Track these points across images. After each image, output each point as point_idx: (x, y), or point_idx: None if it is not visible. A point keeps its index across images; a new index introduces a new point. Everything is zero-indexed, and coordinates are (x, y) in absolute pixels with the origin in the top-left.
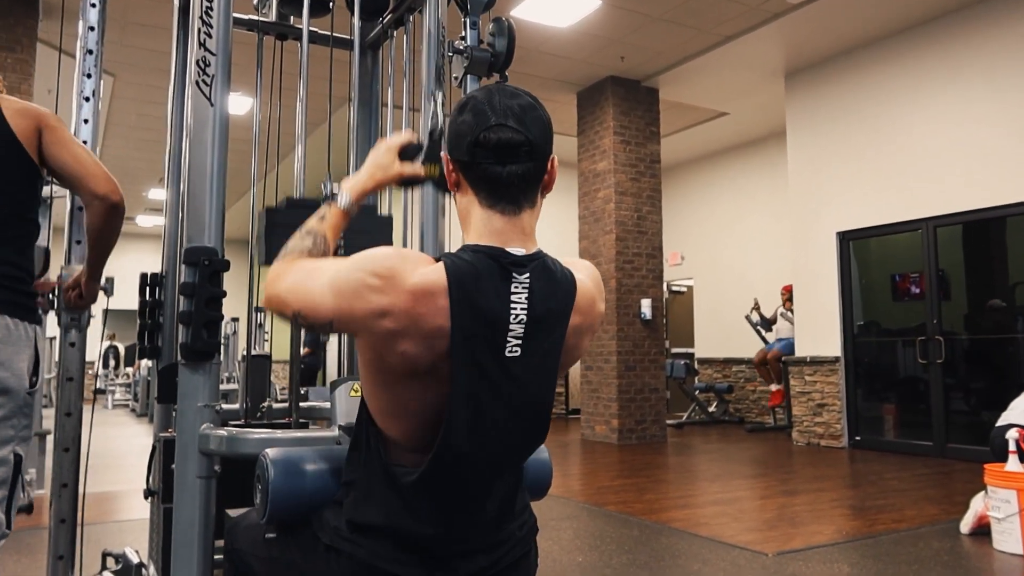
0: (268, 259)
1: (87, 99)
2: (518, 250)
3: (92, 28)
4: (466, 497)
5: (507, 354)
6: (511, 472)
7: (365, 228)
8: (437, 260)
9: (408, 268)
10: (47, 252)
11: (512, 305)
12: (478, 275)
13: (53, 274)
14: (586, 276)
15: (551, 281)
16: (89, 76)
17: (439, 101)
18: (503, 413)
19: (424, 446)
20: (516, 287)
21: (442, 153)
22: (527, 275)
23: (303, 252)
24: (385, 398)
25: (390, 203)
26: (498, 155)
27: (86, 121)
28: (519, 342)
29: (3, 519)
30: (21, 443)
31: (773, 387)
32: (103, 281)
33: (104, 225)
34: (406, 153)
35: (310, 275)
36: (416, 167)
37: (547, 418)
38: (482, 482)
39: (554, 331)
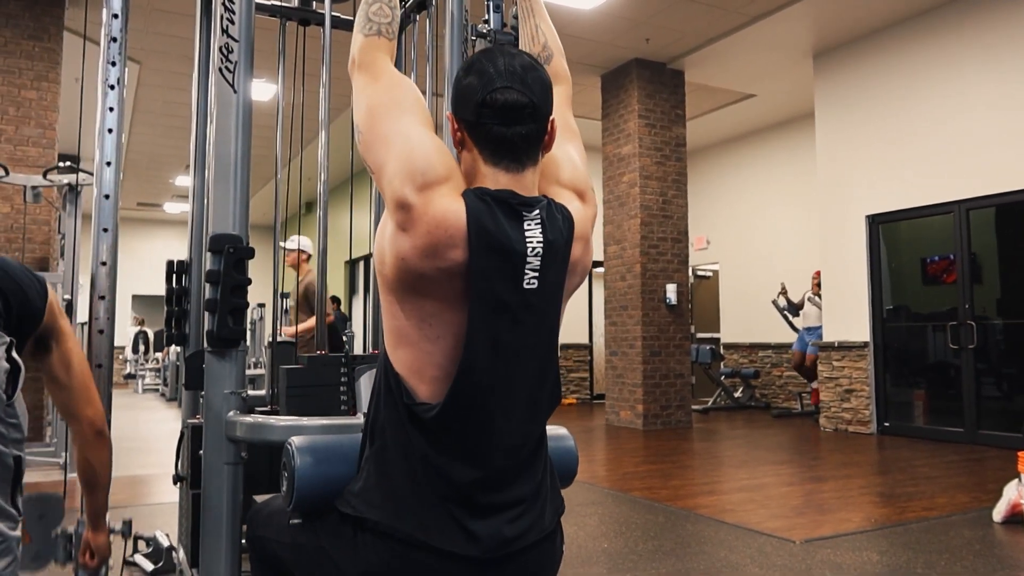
0: (289, 411)
1: (112, 87)
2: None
3: (116, 15)
4: (489, 430)
5: (525, 286)
6: (532, 412)
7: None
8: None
9: (445, 189)
10: (60, 501)
11: (528, 239)
12: (494, 213)
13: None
14: (576, 200)
15: (555, 218)
16: (114, 64)
17: None
18: (520, 342)
19: (443, 380)
20: (529, 224)
21: (447, 112)
22: (537, 212)
23: (380, 28)
24: (399, 316)
25: None
26: (503, 116)
27: (111, 109)
28: (536, 274)
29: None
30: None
31: (814, 384)
32: (119, 525)
33: (99, 456)
34: None
35: (389, 116)
36: None
37: (557, 345)
38: (503, 413)
39: (563, 262)
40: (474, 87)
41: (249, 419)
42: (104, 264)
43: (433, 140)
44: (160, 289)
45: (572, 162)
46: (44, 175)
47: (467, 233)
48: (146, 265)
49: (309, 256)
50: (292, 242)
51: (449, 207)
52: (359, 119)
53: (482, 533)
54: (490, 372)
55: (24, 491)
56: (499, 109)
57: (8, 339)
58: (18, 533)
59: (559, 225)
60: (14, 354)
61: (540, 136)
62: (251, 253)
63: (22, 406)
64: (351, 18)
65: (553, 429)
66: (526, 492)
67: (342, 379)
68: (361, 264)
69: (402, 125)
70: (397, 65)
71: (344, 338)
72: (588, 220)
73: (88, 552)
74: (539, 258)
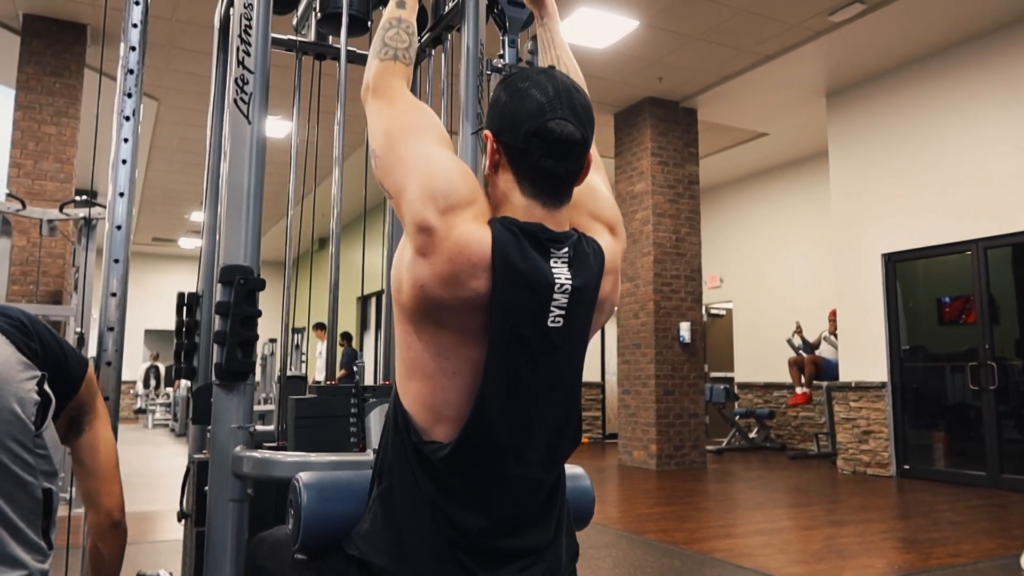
0: (297, 443)
1: (127, 118)
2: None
3: (133, 48)
4: (502, 476)
5: (550, 324)
6: (549, 458)
7: None
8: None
9: (469, 215)
10: None
11: (556, 276)
12: (522, 245)
13: None
14: (607, 234)
15: (585, 254)
16: (130, 95)
17: None
18: (540, 383)
19: (456, 419)
20: (555, 261)
21: (485, 131)
22: (566, 250)
23: (397, 53)
24: (415, 347)
25: None
26: (555, 150)
27: (126, 140)
28: (562, 312)
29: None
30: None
31: (799, 389)
32: None
33: (111, 548)
34: None
35: (408, 138)
36: None
37: (580, 389)
38: (518, 458)
39: (592, 300)
40: (528, 111)
41: (256, 454)
42: (114, 295)
43: (456, 162)
44: (173, 323)
45: (601, 194)
46: (60, 209)
47: (491, 263)
48: (159, 300)
49: None
50: None
51: (473, 233)
52: (376, 143)
53: None
54: (506, 414)
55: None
56: (553, 142)
57: (40, 373)
58: (46, 567)
59: (589, 262)
60: (46, 387)
61: (580, 172)
62: (262, 285)
63: (53, 437)
64: (367, 52)
65: (569, 468)
66: (539, 540)
67: (352, 410)
68: (373, 300)
69: (422, 147)
70: None
71: (355, 368)
72: (618, 255)
73: None
74: (566, 295)
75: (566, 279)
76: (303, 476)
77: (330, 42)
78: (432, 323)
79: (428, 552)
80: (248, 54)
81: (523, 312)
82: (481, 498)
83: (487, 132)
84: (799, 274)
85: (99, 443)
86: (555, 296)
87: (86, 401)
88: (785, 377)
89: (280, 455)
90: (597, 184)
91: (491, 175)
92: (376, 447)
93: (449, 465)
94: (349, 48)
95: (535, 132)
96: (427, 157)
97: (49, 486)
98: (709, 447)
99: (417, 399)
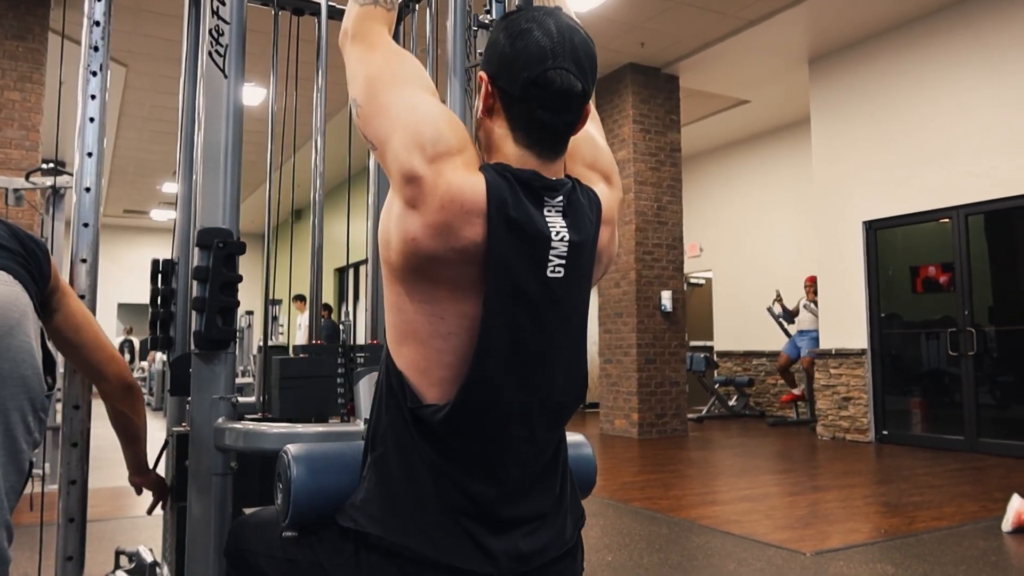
0: (282, 405)
1: (94, 74)
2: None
3: None
4: (505, 437)
5: (550, 274)
6: (554, 418)
7: None
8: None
9: (459, 161)
10: None
11: (551, 225)
12: (516, 192)
13: None
14: (602, 183)
15: (580, 203)
16: (96, 49)
17: None
18: (543, 339)
19: (454, 380)
20: (549, 210)
21: (480, 72)
22: (560, 198)
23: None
24: (406, 309)
25: None
26: (555, 102)
27: (93, 97)
28: (562, 262)
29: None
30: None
31: (796, 391)
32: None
33: (135, 407)
34: None
35: (391, 86)
36: None
37: (585, 344)
38: (522, 419)
39: (591, 251)
40: (525, 57)
41: (239, 426)
42: (84, 261)
43: (443, 109)
44: (146, 297)
45: (595, 142)
46: (26, 177)
47: (486, 210)
48: (132, 273)
49: None
50: None
51: (465, 180)
52: (357, 91)
53: (497, 549)
54: (507, 372)
55: None
56: (553, 94)
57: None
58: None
59: (585, 212)
60: (49, 344)
61: (578, 122)
62: (242, 248)
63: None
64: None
65: (570, 436)
66: (545, 505)
67: (340, 371)
68: (351, 272)
69: (406, 94)
70: None
71: (341, 327)
72: (615, 204)
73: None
74: (565, 243)
75: (562, 227)
76: (292, 448)
77: None
78: (425, 280)
79: (429, 519)
80: (223, 3)
81: (521, 261)
82: (484, 462)
83: (482, 74)
84: (780, 242)
85: (78, 317)
86: (553, 245)
87: (54, 284)
88: (764, 345)
89: (265, 426)
90: (593, 133)
91: (483, 119)
92: (367, 417)
93: (449, 428)
94: (329, 3)
95: (533, 82)
96: (412, 105)
97: (32, 458)
98: (689, 415)
99: (411, 364)
